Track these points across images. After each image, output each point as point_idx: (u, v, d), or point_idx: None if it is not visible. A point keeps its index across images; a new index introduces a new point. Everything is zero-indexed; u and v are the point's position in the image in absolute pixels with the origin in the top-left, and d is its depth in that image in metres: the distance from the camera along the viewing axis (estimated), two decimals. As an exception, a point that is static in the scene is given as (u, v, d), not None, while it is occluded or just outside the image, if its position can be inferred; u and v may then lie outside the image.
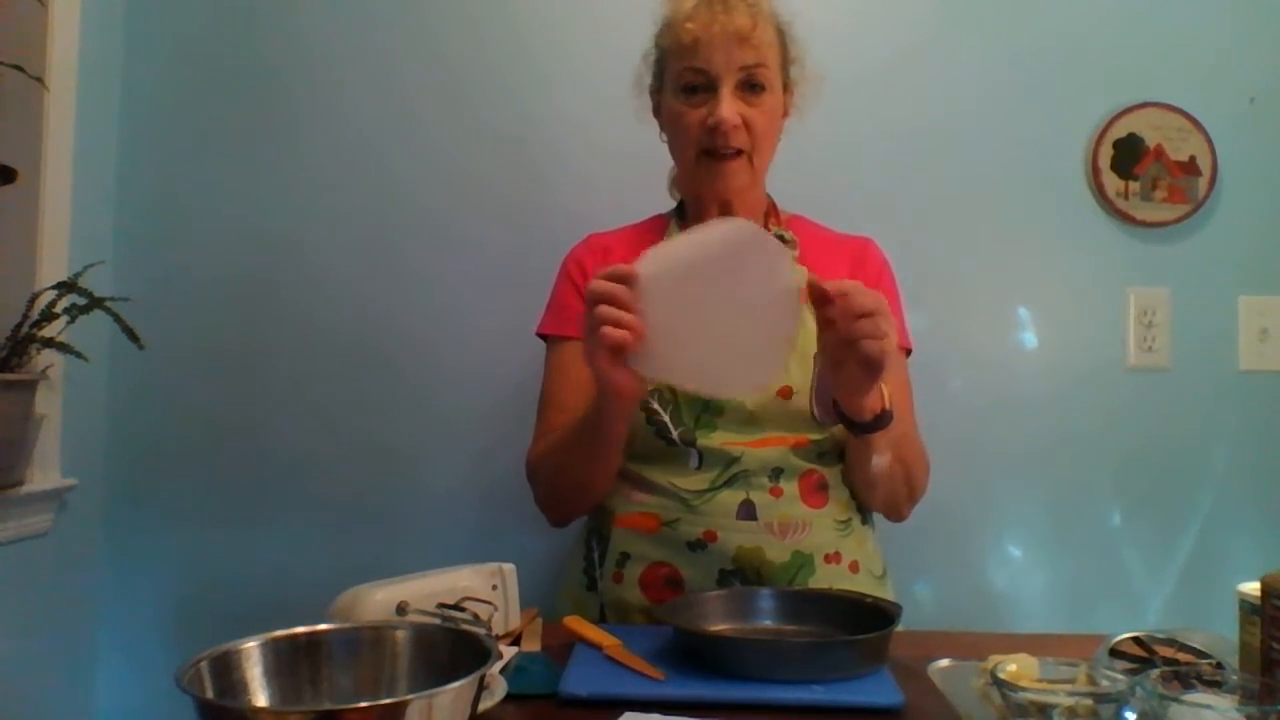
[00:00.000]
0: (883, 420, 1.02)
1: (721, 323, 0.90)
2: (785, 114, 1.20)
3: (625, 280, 0.89)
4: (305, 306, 1.64)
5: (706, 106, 1.12)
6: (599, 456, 1.10)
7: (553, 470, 1.17)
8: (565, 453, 1.14)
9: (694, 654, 0.88)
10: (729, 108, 1.10)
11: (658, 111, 1.23)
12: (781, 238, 1.21)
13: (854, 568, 1.13)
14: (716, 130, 1.11)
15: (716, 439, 1.10)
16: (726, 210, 1.22)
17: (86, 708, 1.58)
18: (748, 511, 1.08)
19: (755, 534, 1.08)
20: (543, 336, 1.25)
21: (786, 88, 1.19)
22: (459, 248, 1.64)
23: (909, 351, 1.26)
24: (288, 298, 1.64)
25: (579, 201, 1.61)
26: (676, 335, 0.90)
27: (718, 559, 1.08)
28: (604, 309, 0.89)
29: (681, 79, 1.14)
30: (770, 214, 1.25)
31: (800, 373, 1.11)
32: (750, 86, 1.12)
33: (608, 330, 0.88)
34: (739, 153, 1.14)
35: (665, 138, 1.22)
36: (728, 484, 1.09)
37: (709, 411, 1.10)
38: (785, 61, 1.18)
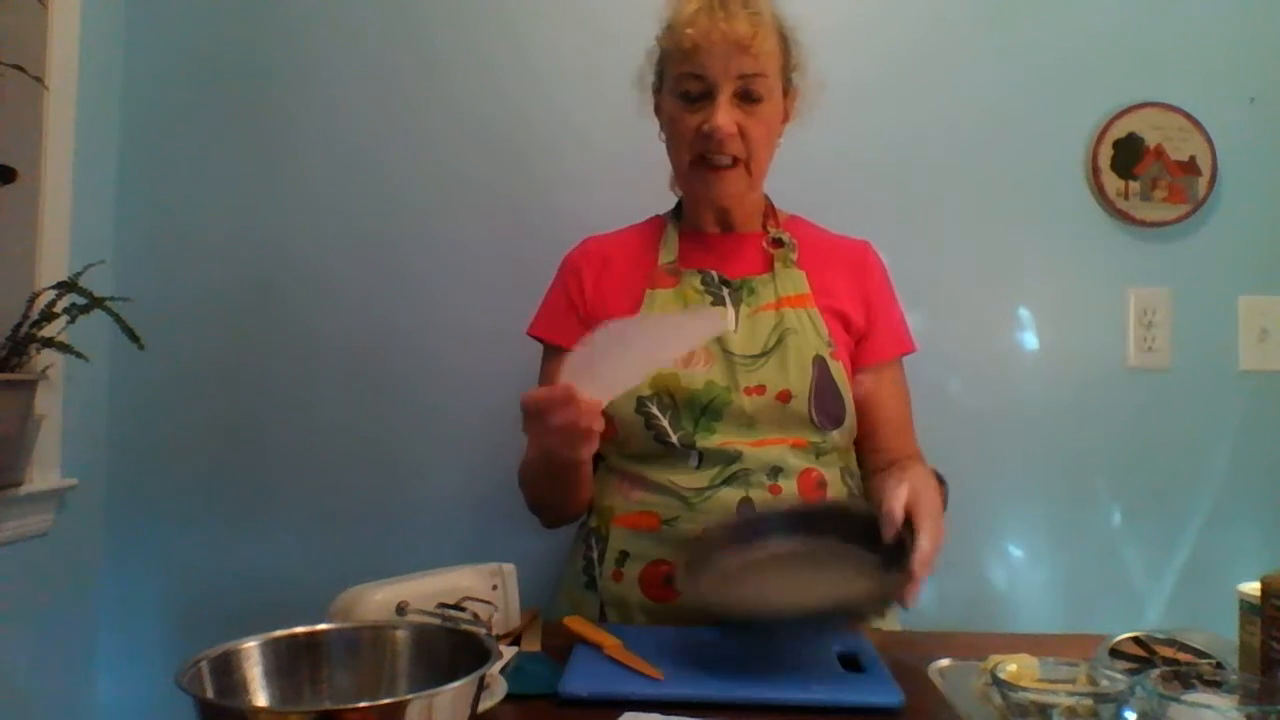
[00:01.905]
0: None
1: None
2: (786, 119, 1.20)
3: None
4: (304, 307, 1.64)
5: (703, 113, 1.12)
6: (568, 494, 1.15)
7: (528, 493, 1.21)
8: (534, 486, 1.19)
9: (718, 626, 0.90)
10: (724, 117, 1.10)
11: (659, 110, 1.23)
12: (779, 240, 1.21)
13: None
14: (711, 138, 1.11)
15: (716, 441, 1.10)
16: (723, 216, 1.22)
17: (87, 708, 1.58)
18: (747, 509, 1.08)
19: (754, 533, 1.08)
20: (535, 338, 1.25)
21: (787, 93, 1.19)
22: (458, 251, 1.64)
23: (910, 352, 1.26)
24: (287, 298, 1.64)
25: (577, 204, 1.61)
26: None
27: (717, 557, 1.08)
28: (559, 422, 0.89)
29: (680, 84, 1.13)
30: (768, 216, 1.25)
31: (799, 377, 1.11)
32: (748, 95, 1.12)
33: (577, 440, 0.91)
34: (734, 161, 1.13)
35: (663, 137, 1.22)
36: (727, 482, 1.09)
37: (708, 415, 1.10)
38: (787, 67, 1.17)
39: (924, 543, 0.88)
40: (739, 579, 0.97)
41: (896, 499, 0.92)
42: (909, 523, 0.91)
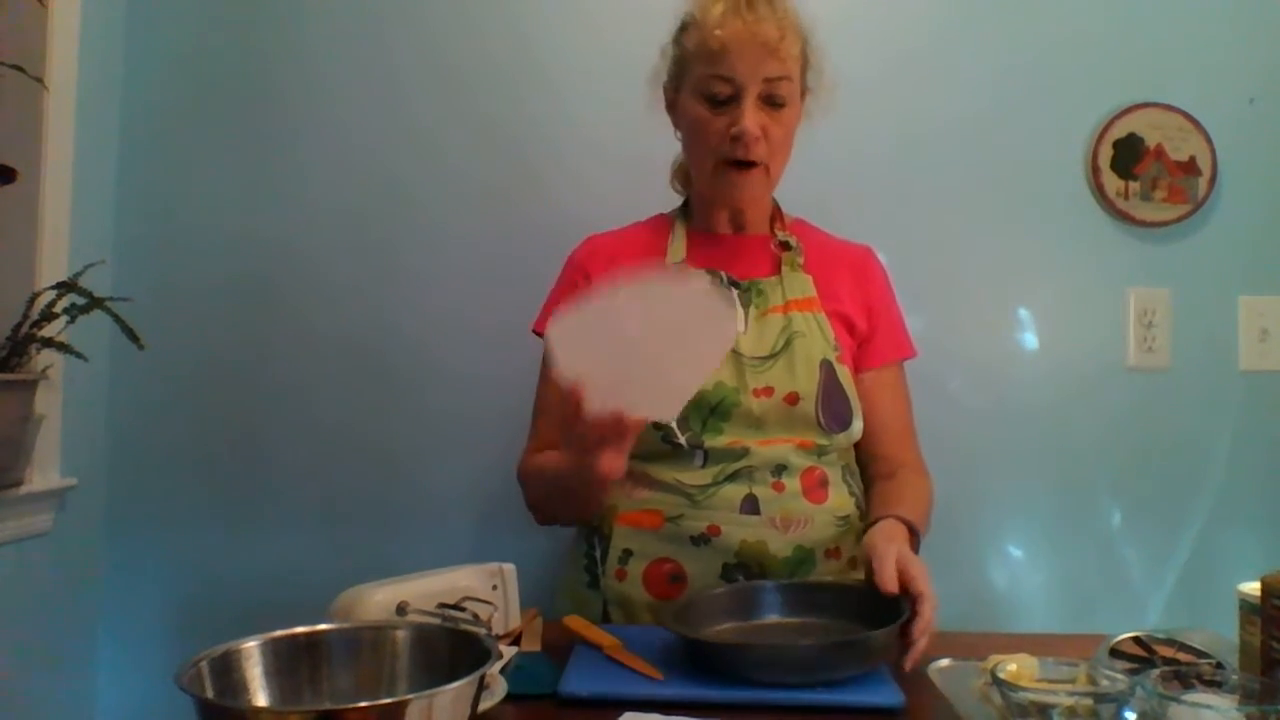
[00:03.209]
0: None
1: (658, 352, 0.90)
2: (798, 119, 1.20)
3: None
4: (305, 307, 1.64)
5: (729, 115, 1.11)
6: (582, 514, 1.16)
7: (536, 498, 1.18)
8: (547, 497, 1.16)
9: (701, 660, 0.88)
10: (752, 120, 1.09)
11: (671, 107, 1.22)
12: (786, 244, 1.21)
13: (853, 563, 1.13)
14: (739, 141, 1.10)
15: (723, 441, 1.10)
16: (737, 217, 1.22)
17: (87, 708, 1.58)
18: (750, 506, 1.08)
19: (758, 528, 1.08)
20: (540, 335, 1.25)
21: (803, 93, 1.18)
22: (458, 250, 1.64)
23: (910, 358, 1.26)
24: (287, 298, 1.64)
25: (578, 203, 1.60)
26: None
27: (721, 553, 1.08)
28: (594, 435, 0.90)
29: (705, 85, 1.12)
30: (775, 218, 1.25)
31: (806, 380, 1.11)
32: (772, 100, 1.11)
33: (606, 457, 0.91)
34: (756, 164, 1.13)
35: (680, 136, 1.21)
36: (730, 479, 1.09)
37: (716, 415, 1.10)
38: (805, 72, 1.17)
39: (926, 611, 0.88)
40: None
41: (888, 558, 0.93)
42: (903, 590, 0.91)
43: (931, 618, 0.89)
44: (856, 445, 1.21)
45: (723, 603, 1.00)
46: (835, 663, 0.84)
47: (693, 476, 1.10)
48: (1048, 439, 1.63)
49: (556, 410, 1.17)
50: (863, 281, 1.23)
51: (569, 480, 1.03)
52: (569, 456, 0.97)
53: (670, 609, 0.97)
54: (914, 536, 1.04)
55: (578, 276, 1.23)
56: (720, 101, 1.12)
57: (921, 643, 0.88)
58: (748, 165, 1.13)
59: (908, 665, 0.87)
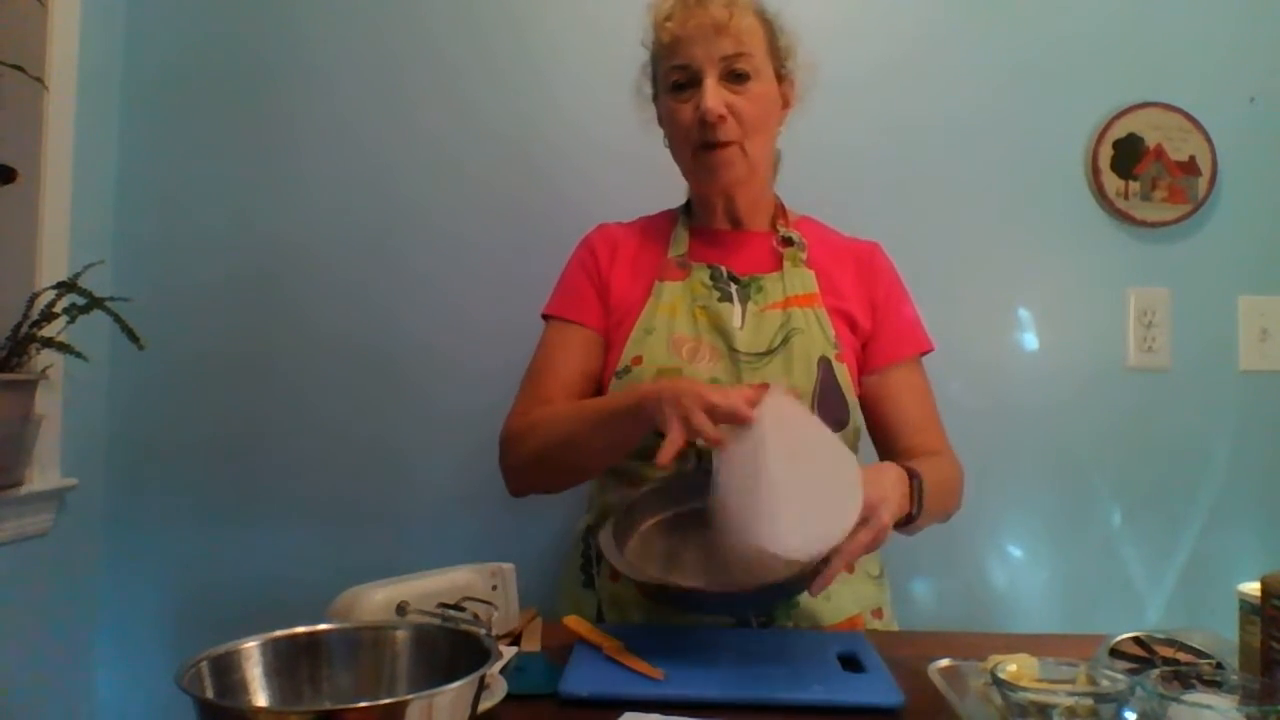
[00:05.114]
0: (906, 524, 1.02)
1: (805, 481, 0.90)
2: (786, 105, 1.20)
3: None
4: (306, 306, 1.64)
5: (694, 100, 1.13)
6: (616, 452, 1.08)
7: (557, 441, 1.10)
8: (580, 433, 1.08)
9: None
10: (713, 98, 1.11)
11: (661, 120, 1.23)
12: (789, 240, 1.21)
13: (849, 566, 1.13)
14: (706, 122, 1.11)
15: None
16: (730, 208, 1.22)
17: (86, 708, 1.58)
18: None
19: (753, 532, 1.07)
20: (546, 317, 1.24)
21: (782, 78, 1.19)
22: (459, 248, 1.64)
23: (926, 351, 1.24)
24: (288, 297, 1.64)
25: (580, 200, 1.60)
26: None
27: (716, 556, 1.07)
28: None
29: (669, 78, 1.15)
30: (778, 215, 1.25)
31: (804, 377, 1.11)
32: (734, 76, 1.13)
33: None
34: (730, 143, 1.14)
35: (666, 143, 1.22)
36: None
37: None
38: (775, 52, 1.18)
39: (848, 545, 0.87)
40: (662, 538, 1.01)
41: None
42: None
43: (855, 549, 0.88)
44: (880, 444, 1.20)
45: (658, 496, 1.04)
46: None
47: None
48: (1048, 439, 1.63)
49: (572, 362, 1.18)
50: (868, 277, 1.23)
51: (623, 414, 1.01)
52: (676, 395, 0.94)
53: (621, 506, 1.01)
54: (913, 481, 1.00)
55: (585, 253, 1.25)
56: (684, 88, 1.14)
57: (836, 565, 0.87)
58: (721, 145, 1.13)
59: (813, 591, 0.88)
